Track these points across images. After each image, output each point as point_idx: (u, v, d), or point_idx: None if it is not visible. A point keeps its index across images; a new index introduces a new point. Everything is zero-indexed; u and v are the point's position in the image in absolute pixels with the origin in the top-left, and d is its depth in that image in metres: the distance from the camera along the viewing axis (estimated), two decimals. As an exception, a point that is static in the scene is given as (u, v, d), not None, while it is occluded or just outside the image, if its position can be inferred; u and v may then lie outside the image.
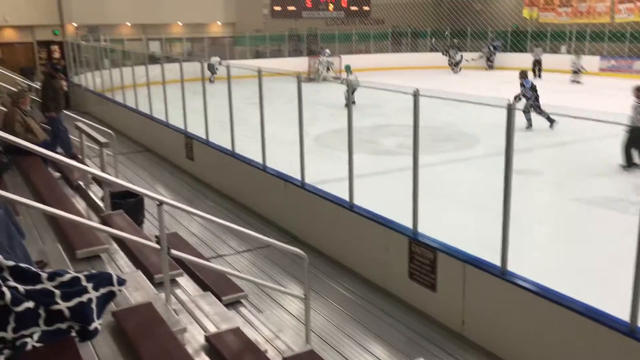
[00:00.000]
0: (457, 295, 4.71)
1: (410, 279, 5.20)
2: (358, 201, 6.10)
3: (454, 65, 26.50)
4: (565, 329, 3.84)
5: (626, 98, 10.46)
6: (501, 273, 4.29)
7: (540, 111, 12.36)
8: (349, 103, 6.97)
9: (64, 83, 12.57)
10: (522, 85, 12.76)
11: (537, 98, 12.51)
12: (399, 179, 5.36)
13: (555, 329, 3.91)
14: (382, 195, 7.60)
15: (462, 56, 26.94)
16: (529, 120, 12.41)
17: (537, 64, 22.81)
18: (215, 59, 18.63)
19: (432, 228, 5.28)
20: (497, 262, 4.36)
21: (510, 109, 4.13)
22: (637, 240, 3.32)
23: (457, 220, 7.11)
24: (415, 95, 4.96)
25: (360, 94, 15.16)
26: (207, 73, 9.58)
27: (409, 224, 5.29)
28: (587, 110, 12.58)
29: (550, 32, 27.87)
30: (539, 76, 22.56)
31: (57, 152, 6.52)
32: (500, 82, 22.27)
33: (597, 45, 26.33)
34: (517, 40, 29.90)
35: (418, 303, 5.18)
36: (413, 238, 5.14)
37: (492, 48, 26.83)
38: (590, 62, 24.73)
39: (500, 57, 25.65)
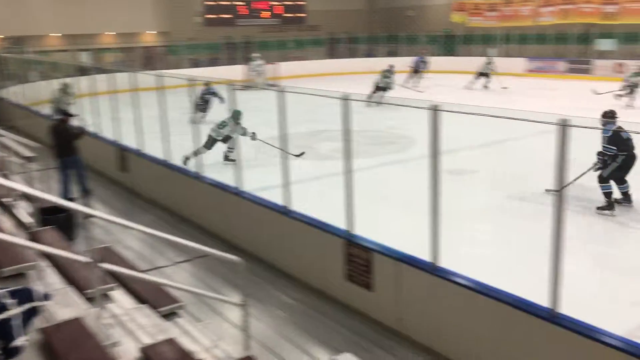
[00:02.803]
0: (393, 293, 4.82)
1: (347, 280, 5.28)
2: (296, 206, 6.15)
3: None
4: (495, 319, 4.00)
5: (554, 98, 11.02)
6: (433, 269, 4.43)
7: None
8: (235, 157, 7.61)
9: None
10: None
11: None
12: (338, 183, 5.46)
13: (485, 320, 4.08)
14: (321, 199, 7.68)
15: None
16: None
17: (483, 75, 20.90)
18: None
19: (368, 229, 5.39)
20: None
21: (436, 110, 4.28)
22: (551, 232, 3.51)
23: (393, 220, 7.28)
24: (345, 100, 5.07)
25: (295, 100, 15.25)
26: (142, 83, 9.41)
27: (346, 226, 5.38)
28: (517, 110, 13.13)
29: (479, 35, 28.94)
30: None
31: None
32: (434, 84, 22.92)
33: (523, 47, 27.49)
34: (447, 44, 30.85)
35: (356, 303, 5.27)
36: (349, 240, 5.23)
37: (420, 64, 22.86)
38: (517, 63, 25.79)
39: (433, 61, 26.29)
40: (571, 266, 4.98)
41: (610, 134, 7.15)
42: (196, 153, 8.46)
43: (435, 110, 4.25)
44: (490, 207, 7.96)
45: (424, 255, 4.59)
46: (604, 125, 7.29)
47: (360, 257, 5.09)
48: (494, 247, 6.56)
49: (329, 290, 5.61)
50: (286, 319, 5.38)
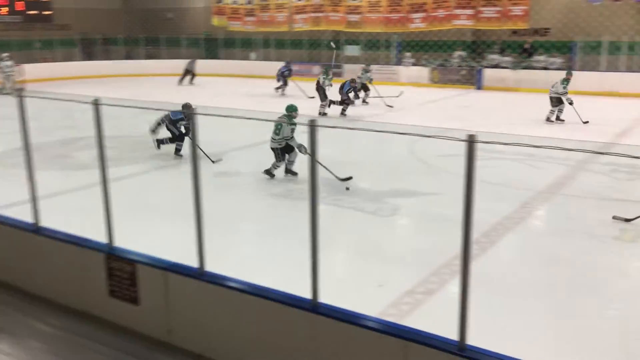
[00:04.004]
0: (160, 304, 4.64)
1: (111, 296, 4.94)
2: (48, 223, 5.56)
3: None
4: (262, 318, 4.09)
5: (313, 100, 11.72)
6: (200, 275, 4.36)
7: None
8: None
9: None
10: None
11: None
12: (97, 193, 5.05)
13: (253, 319, 4.14)
14: (80, 212, 7.09)
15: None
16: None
17: (364, 87, 18.12)
18: None
19: (133, 240, 5.11)
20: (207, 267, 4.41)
21: (191, 115, 4.21)
22: (309, 226, 3.70)
23: (160, 229, 7.04)
24: (96, 104, 4.72)
25: (51, 106, 13.91)
26: None
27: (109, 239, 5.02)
28: (271, 112, 13.64)
29: (239, 39, 29.60)
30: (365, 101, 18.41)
31: None
32: (189, 87, 22.83)
33: (281, 52, 28.90)
34: (209, 48, 31.00)
35: (123, 320, 4.96)
36: (109, 253, 4.90)
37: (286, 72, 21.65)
38: (277, 67, 27.02)
39: (198, 63, 26.10)
40: (329, 257, 5.40)
41: None
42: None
43: (189, 115, 4.18)
44: (256, 208, 8.18)
45: (192, 261, 4.50)
46: None
47: (123, 271, 4.79)
48: (261, 246, 6.75)
49: (93, 310, 5.19)
50: (43, 350, 4.84)
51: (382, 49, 26.54)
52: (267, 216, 7.79)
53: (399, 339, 3.26)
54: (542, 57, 23.12)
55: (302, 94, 19.59)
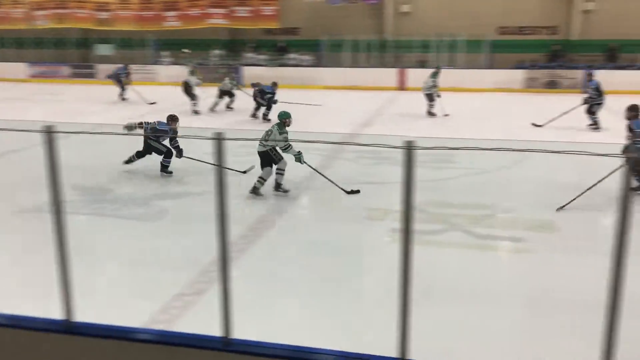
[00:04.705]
0: None
1: None
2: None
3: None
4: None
5: (61, 102, 10.60)
6: None
7: None
8: None
9: None
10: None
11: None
12: None
13: None
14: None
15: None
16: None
17: (228, 94, 16.97)
18: None
19: None
20: None
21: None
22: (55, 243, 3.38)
23: None
24: None
25: None
26: None
27: None
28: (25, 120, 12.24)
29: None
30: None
31: None
32: None
33: (21, 52, 26.11)
34: None
35: None
36: None
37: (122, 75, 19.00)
38: (18, 69, 24.38)
39: None
40: (94, 271, 5.06)
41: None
42: None
43: None
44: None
45: None
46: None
47: None
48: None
49: None
50: None
51: (138, 47, 25.58)
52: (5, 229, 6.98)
53: (165, 345, 3.16)
54: (294, 55, 24.57)
55: (141, 99, 18.03)
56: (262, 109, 15.07)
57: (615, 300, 2.54)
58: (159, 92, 19.62)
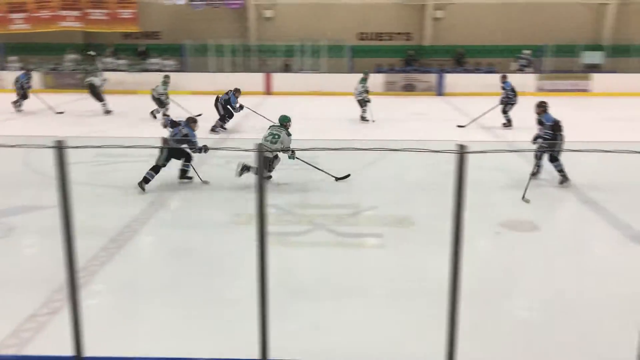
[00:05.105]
0: None
1: None
2: None
3: None
4: None
5: None
6: None
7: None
8: None
9: None
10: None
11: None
12: None
13: None
14: None
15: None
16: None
17: (158, 101, 15.87)
18: None
19: None
20: None
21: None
22: None
23: None
24: None
25: None
26: None
27: None
28: None
29: None
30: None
31: None
32: None
33: None
34: None
35: None
36: None
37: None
38: None
39: None
40: None
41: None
42: None
43: None
44: None
45: None
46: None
47: None
48: None
49: None
50: None
51: (-19, 52, 23.45)
52: None
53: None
54: (156, 60, 23.84)
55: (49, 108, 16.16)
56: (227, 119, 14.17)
57: (455, 288, 2.78)
58: (5, 100, 18.09)
